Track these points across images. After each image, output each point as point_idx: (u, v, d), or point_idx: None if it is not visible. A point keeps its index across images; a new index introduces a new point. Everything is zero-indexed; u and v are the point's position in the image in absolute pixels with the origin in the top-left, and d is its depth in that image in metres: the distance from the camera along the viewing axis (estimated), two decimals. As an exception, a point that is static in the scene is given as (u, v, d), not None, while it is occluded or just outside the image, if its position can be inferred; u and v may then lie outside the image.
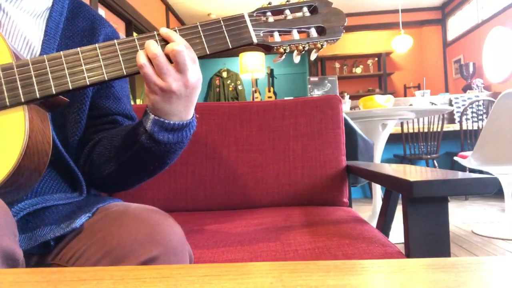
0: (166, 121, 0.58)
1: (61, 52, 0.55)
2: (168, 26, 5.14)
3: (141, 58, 0.55)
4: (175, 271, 0.30)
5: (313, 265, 0.30)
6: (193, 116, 0.62)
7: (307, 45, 0.62)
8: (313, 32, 0.62)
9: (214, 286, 0.27)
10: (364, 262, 0.32)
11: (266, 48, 0.62)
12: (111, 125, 0.71)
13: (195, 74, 0.57)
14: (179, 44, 0.55)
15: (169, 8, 5.25)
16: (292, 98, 1.54)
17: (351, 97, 4.68)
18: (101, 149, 0.67)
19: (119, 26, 3.76)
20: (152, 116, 0.58)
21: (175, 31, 0.58)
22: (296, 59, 0.64)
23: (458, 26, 5.44)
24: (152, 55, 0.54)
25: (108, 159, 0.66)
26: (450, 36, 5.69)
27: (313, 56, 0.65)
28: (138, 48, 0.57)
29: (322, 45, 0.62)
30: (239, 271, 0.30)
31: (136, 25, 4.04)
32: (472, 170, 3.19)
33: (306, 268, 0.30)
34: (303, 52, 0.63)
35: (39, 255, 0.57)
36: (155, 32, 0.58)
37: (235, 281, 0.28)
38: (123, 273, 0.30)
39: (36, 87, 0.54)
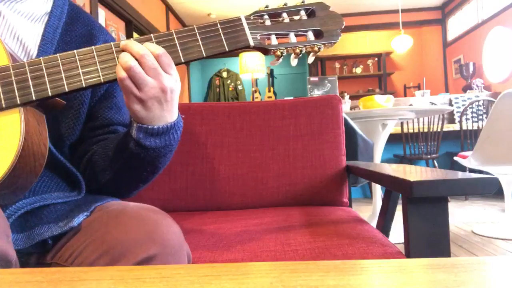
0: (149, 126, 0.58)
1: (58, 54, 0.55)
2: (168, 26, 5.15)
3: (120, 72, 0.54)
4: (175, 271, 0.30)
5: (313, 265, 0.30)
6: (177, 118, 0.62)
7: (304, 48, 0.62)
8: (310, 35, 0.62)
9: (214, 286, 0.27)
10: (364, 262, 0.32)
11: (263, 51, 0.62)
12: (111, 135, 0.71)
13: (168, 79, 0.56)
14: (143, 49, 0.55)
15: (169, 8, 5.25)
16: (292, 98, 1.54)
17: (351, 97, 4.68)
18: (97, 158, 0.68)
19: (119, 26, 3.76)
20: (135, 124, 0.58)
21: (170, 35, 0.58)
22: (294, 62, 0.64)
23: (458, 26, 5.44)
24: (127, 67, 0.54)
25: (104, 168, 0.66)
26: (450, 36, 5.69)
27: (310, 60, 0.65)
28: None
29: (319, 48, 0.62)
30: (239, 271, 0.30)
31: (136, 25, 4.03)
32: (472, 170, 3.19)
33: (306, 268, 0.30)
34: (300, 55, 0.63)
35: (38, 254, 0.58)
36: (152, 35, 0.58)
37: (235, 281, 0.28)
38: (123, 273, 0.30)
39: (32, 89, 0.54)
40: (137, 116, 0.57)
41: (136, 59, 0.54)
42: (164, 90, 0.56)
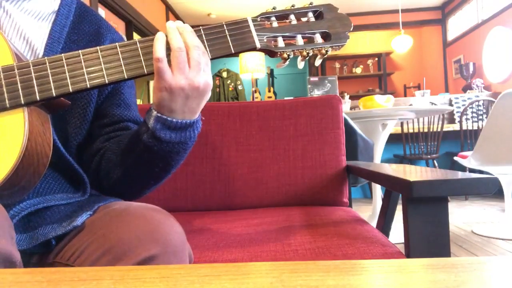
0: (168, 118, 0.58)
1: (63, 54, 0.55)
2: (168, 26, 5.15)
3: (160, 51, 0.54)
4: (175, 271, 0.30)
5: (313, 265, 0.30)
6: (197, 118, 0.61)
7: (311, 50, 0.61)
8: (318, 38, 0.61)
9: (214, 286, 0.27)
10: (364, 262, 0.32)
11: (270, 53, 0.61)
12: (122, 131, 0.70)
13: (204, 77, 0.57)
14: (197, 41, 0.56)
15: (169, 8, 5.25)
16: (292, 98, 1.54)
17: (351, 97, 4.68)
18: (109, 154, 0.67)
19: (119, 26, 3.76)
20: (155, 113, 0.58)
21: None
22: (300, 64, 0.64)
23: (458, 26, 5.44)
24: (178, 48, 0.54)
25: (115, 163, 0.65)
26: (450, 36, 5.69)
27: (317, 62, 0.64)
28: (140, 52, 0.56)
29: (326, 51, 0.61)
30: (239, 271, 0.30)
31: (136, 25, 4.03)
32: (472, 170, 3.19)
33: (306, 268, 0.30)
34: (307, 57, 0.62)
35: (40, 254, 0.58)
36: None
37: (235, 281, 0.28)
38: (123, 273, 0.30)
39: (36, 89, 0.53)
40: (160, 104, 0.57)
41: (186, 46, 0.55)
42: (195, 87, 0.56)
